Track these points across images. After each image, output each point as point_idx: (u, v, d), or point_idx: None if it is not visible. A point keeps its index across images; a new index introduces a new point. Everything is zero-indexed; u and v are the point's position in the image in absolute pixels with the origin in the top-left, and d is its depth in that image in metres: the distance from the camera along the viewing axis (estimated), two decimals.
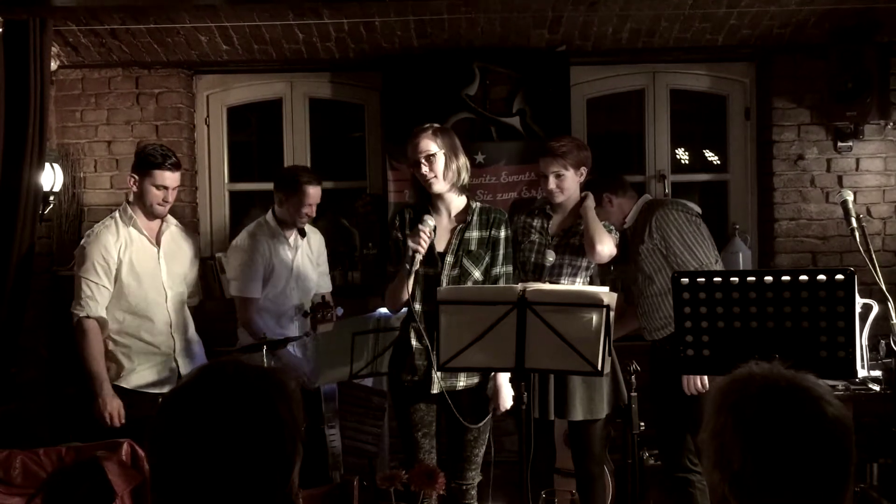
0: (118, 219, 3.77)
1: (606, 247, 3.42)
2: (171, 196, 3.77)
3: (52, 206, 4.63)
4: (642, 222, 3.76)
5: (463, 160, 3.30)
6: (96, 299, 3.70)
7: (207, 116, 5.13)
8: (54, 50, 4.48)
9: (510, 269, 3.37)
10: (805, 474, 1.34)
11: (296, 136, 5.14)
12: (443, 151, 3.22)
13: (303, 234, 4.12)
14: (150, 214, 3.78)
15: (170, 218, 3.91)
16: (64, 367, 4.57)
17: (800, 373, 1.43)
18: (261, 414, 1.27)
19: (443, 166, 3.22)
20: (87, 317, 3.67)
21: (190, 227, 4.97)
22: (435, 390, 3.25)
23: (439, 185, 3.23)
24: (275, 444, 1.27)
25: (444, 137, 3.26)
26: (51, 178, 4.49)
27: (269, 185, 5.17)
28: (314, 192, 3.99)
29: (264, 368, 1.38)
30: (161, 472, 1.29)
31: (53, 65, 4.58)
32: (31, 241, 4.10)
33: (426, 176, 3.22)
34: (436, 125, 3.31)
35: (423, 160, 3.20)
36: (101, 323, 3.68)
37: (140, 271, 3.74)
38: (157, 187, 3.71)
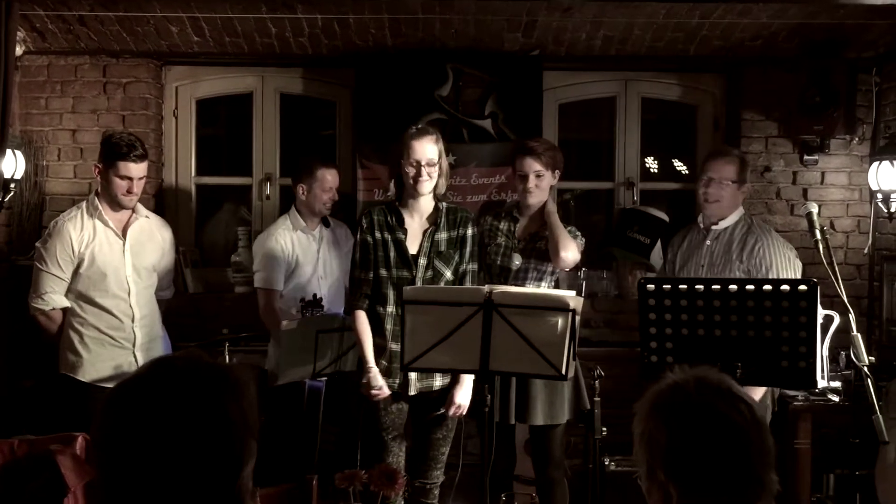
0: (84, 210, 3.72)
1: (571, 253, 3.42)
2: (137, 187, 3.71)
3: (12, 193, 4.52)
4: (742, 239, 3.63)
5: (446, 168, 3.38)
6: (58, 292, 3.68)
7: (176, 108, 5.06)
8: (20, 35, 4.39)
9: (475, 266, 3.42)
10: (716, 468, 1.45)
11: (266, 131, 5.08)
12: (440, 160, 3.31)
13: (327, 223, 4.15)
14: (116, 205, 3.72)
15: (141, 208, 3.87)
16: (20, 359, 4.48)
17: (714, 375, 1.55)
18: (206, 410, 1.25)
19: (437, 174, 3.30)
20: (53, 309, 3.67)
21: None
22: (412, 392, 3.27)
23: (428, 187, 3.30)
24: (220, 443, 1.24)
25: (440, 145, 3.33)
26: (12, 165, 4.39)
27: (237, 180, 5.17)
28: (331, 177, 4.04)
29: (218, 365, 1.35)
30: (104, 467, 1.26)
31: (19, 50, 4.48)
32: None
33: (420, 179, 3.25)
34: (433, 130, 3.37)
35: (424, 164, 3.25)
36: (65, 311, 3.71)
37: (102, 264, 3.69)
38: (122, 178, 3.65)
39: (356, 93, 4.90)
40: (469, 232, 3.39)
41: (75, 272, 3.69)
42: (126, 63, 4.82)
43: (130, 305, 3.75)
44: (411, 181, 3.27)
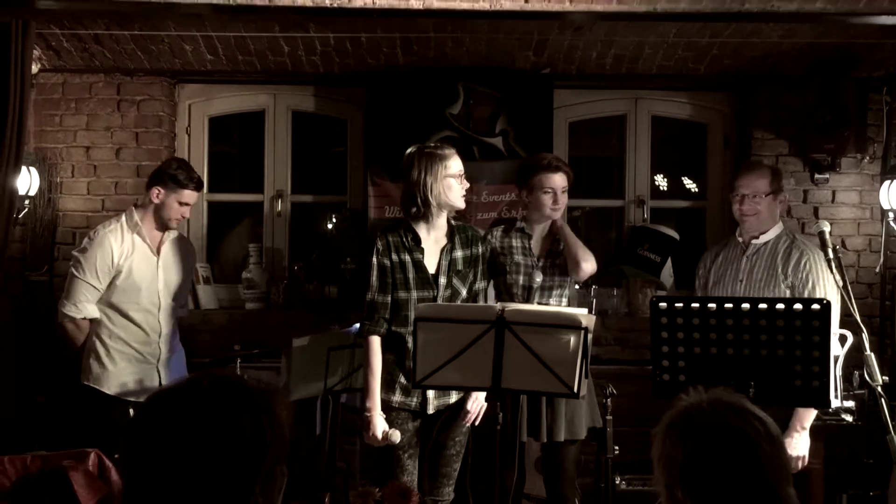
0: (124, 223, 3.82)
1: (590, 264, 3.46)
2: (187, 213, 3.89)
3: (27, 210, 4.57)
4: (786, 253, 3.46)
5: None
6: (91, 301, 3.74)
7: (189, 126, 5.10)
8: (36, 53, 4.44)
9: (485, 284, 3.45)
10: (731, 483, 1.47)
11: (277, 148, 5.12)
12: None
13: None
14: (162, 226, 3.85)
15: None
16: (34, 374, 4.50)
17: (727, 394, 1.57)
18: (222, 429, 1.28)
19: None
20: (84, 318, 3.72)
21: None
22: (430, 411, 3.27)
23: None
24: (231, 461, 1.27)
25: None
26: (27, 181, 4.44)
27: (249, 197, 5.19)
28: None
29: (244, 385, 1.36)
30: (129, 481, 1.31)
31: (35, 68, 4.52)
32: (4, 244, 4.04)
33: (460, 192, 3.29)
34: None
35: (463, 177, 3.31)
36: (92, 322, 3.76)
37: (138, 279, 3.78)
38: (181, 204, 3.81)
39: (367, 111, 4.93)
40: (481, 250, 3.41)
41: (111, 284, 3.75)
42: (140, 81, 4.87)
43: (159, 321, 3.82)
44: (455, 195, 3.28)
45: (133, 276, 3.76)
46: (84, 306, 3.72)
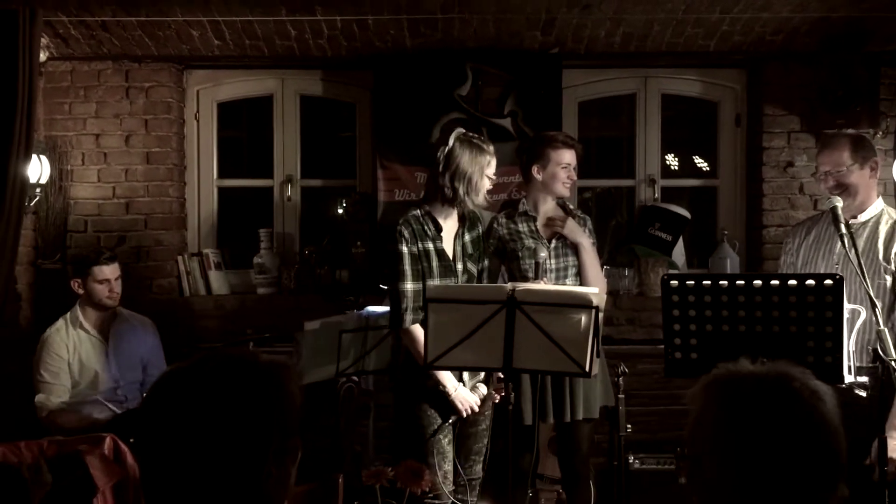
0: (68, 321, 4.02)
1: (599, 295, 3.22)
2: (117, 287, 4.02)
3: (38, 198, 4.59)
4: (890, 234, 3.17)
5: None
6: (51, 399, 3.90)
7: (197, 111, 5.10)
8: (44, 41, 4.44)
9: (485, 263, 3.47)
10: (780, 471, 1.33)
11: (286, 133, 5.11)
12: None
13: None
14: (101, 308, 4.02)
15: (122, 311, 4.14)
16: None
17: (792, 369, 1.43)
18: (230, 404, 1.30)
19: None
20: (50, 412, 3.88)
21: (177, 222, 4.94)
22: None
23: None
24: (242, 434, 1.29)
25: None
26: (38, 170, 4.45)
27: (259, 182, 5.19)
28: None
29: (252, 361, 1.37)
30: (144, 462, 1.33)
31: (42, 56, 4.53)
32: (16, 233, 4.06)
33: (488, 186, 3.27)
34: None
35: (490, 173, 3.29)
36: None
37: (89, 369, 3.96)
38: (100, 282, 3.97)
39: (375, 94, 4.91)
40: (481, 230, 3.44)
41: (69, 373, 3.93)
42: (148, 67, 4.87)
43: (112, 407, 3.94)
44: (484, 193, 3.27)
45: (85, 367, 3.95)
46: (45, 403, 3.87)
